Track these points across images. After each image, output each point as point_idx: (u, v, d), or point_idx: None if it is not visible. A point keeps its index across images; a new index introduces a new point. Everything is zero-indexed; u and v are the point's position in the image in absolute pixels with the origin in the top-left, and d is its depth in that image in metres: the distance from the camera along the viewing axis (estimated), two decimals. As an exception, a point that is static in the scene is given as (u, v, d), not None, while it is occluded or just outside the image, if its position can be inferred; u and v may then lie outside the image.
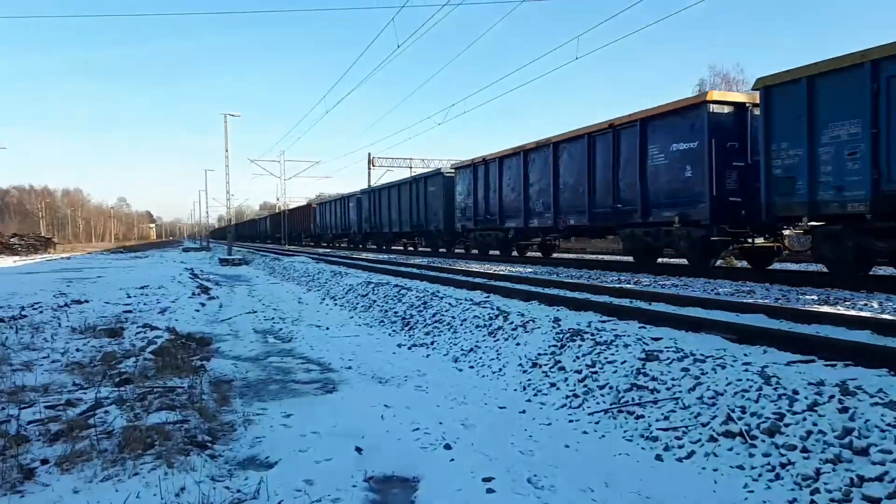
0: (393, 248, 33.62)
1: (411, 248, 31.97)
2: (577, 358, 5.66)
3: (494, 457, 3.98)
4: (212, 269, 27.05)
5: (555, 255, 21.29)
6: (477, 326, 7.63)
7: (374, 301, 11.28)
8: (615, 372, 5.17)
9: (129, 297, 14.00)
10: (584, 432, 4.49)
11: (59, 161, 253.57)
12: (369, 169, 55.08)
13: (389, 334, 9.02)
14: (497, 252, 21.86)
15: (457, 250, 26.43)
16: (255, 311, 11.90)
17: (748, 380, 4.34)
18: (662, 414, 4.42)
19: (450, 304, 8.98)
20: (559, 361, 5.78)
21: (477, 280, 11.50)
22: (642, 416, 4.49)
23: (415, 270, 14.36)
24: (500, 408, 5.16)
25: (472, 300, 8.90)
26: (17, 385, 5.97)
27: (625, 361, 5.23)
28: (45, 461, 3.83)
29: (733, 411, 4.11)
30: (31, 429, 4.47)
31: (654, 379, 4.83)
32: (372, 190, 35.23)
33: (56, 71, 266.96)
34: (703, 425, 4.11)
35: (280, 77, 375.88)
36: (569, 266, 16.16)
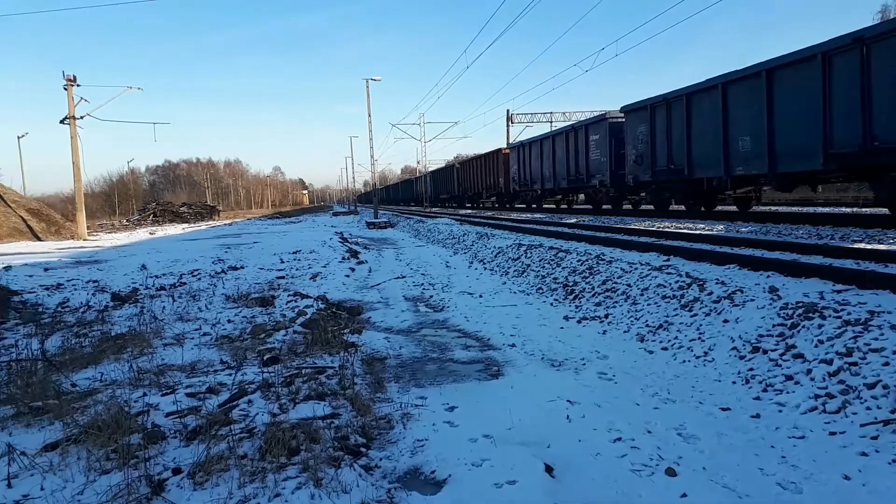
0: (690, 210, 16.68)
1: (734, 212, 15.33)
2: (821, 342, 4.30)
3: (744, 492, 2.85)
4: (360, 233, 27.36)
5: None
6: (663, 297, 6.37)
7: (528, 265, 10.26)
8: (887, 364, 3.78)
9: (283, 262, 14.07)
10: (863, 454, 3.21)
11: (222, 134, 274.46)
12: (508, 126, 53.71)
13: (552, 304, 7.97)
14: None
15: None
16: (403, 277, 11.32)
17: None
18: None
19: (622, 268, 7.75)
20: (793, 346, 4.45)
21: (663, 241, 10.10)
22: (952, 435, 3.13)
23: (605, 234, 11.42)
24: (723, 409, 3.97)
25: (648, 264, 7.61)
26: (164, 363, 5.64)
27: (900, 350, 3.83)
28: (177, 470, 3.22)
29: None
30: (168, 423, 3.94)
31: (957, 379, 3.42)
32: (671, 97, 15.96)
33: (211, 50, 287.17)
34: None
35: (418, 38, 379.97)
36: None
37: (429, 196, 57.22)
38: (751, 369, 4.51)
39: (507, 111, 53.38)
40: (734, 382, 4.44)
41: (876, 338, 4.04)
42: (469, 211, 35.22)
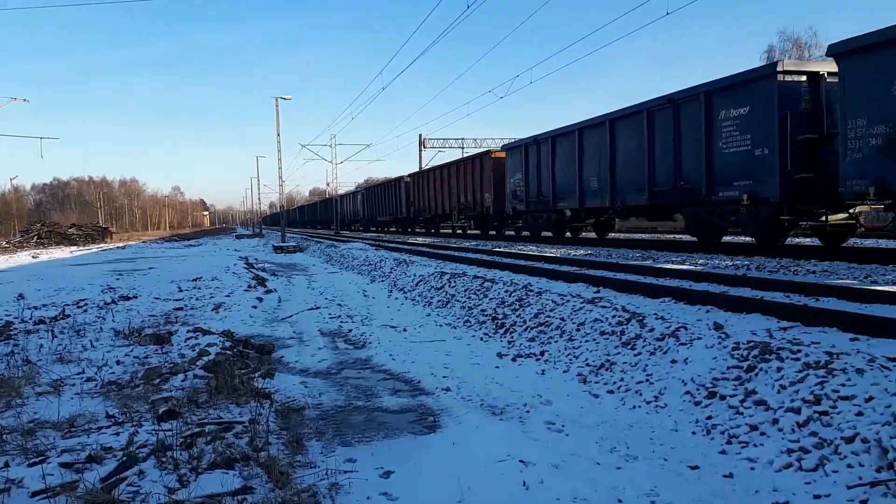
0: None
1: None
2: (783, 388, 4.03)
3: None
4: (266, 258, 26.09)
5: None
6: (601, 333, 6.04)
7: (453, 296, 9.80)
8: (861, 414, 3.52)
9: (181, 290, 12.93)
10: (857, 523, 2.88)
11: (117, 152, 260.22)
12: (420, 150, 53.73)
13: (482, 339, 7.51)
14: None
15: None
16: (318, 307, 10.57)
17: None
18: None
19: (553, 300, 7.41)
20: (753, 392, 4.16)
21: (570, 269, 9.87)
22: (948, 498, 2.85)
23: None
24: (692, 468, 3.59)
25: (579, 295, 7.31)
26: (36, 419, 4.71)
27: (872, 398, 3.58)
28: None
29: None
30: (32, 508, 3.12)
31: (939, 431, 3.18)
32: None
33: (112, 66, 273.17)
34: None
35: (332, 60, 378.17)
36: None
37: (361, 218, 49.75)
38: (709, 417, 4.18)
39: (420, 136, 53.46)
40: (694, 433, 4.09)
41: (843, 384, 3.80)
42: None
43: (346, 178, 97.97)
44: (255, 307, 10.75)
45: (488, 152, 24.54)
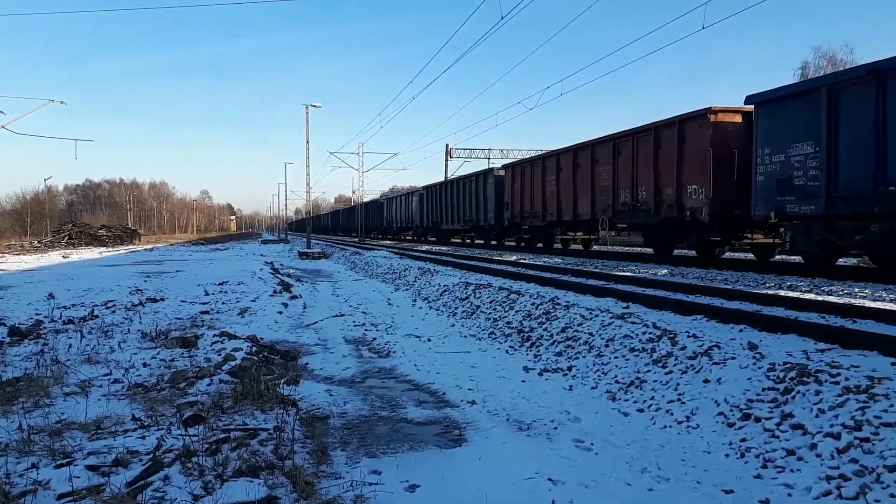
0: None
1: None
2: (822, 412, 3.90)
3: None
4: (291, 263, 26.27)
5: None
6: (632, 350, 5.93)
7: (478, 307, 9.73)
8: (905, 443, 3.39)
9: (207, 294, 13.05)
10: (904, 559, 2.76)
11: (148, 155, 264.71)
12: (447, 160, 53.80)
13: (507, 351, 7.43)
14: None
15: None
16: (342, 315, 10.57)
17: None
18: None
19: (581, 315, 7.31)
20: (790, 415, 4.03)
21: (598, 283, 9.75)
22: None
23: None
24: (726, 492, 3.48)
25: (608, 311, 7.20)
26: (63, 419, 4.74)
27: (916, 427, 3.45)
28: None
29: None
30: (59, 511, 3.12)
31: None
32: None
33: (142, 70, 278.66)
34: None
35: (361, 69, 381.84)
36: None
37: (417, 226, 39.74)
38: (744, 440, 4.06)
39: (447, 145, 53.49)
40: (727, 455, 3.97)
41: (886, 409, 3.66)
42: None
43: (372, 185, 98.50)
44: (280, 313, 10.78)
45: (701, 114, 13.11)
